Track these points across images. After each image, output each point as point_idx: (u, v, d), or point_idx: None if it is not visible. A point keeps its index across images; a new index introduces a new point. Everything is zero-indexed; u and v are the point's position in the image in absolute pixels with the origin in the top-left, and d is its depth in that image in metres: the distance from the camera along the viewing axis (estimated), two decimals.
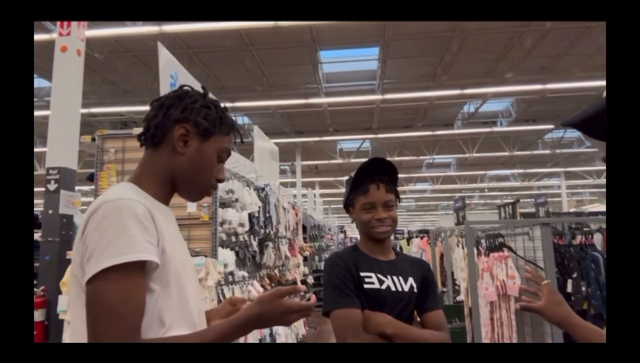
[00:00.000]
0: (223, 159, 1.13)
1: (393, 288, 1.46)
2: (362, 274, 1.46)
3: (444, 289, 6.01)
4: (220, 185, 3.72)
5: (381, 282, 1.46)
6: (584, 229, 3.35)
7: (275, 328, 4.75)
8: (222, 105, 1.15)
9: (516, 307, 1.05)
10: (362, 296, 1.43)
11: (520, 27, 8.53)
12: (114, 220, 0.90)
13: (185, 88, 1.13)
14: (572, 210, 19.96)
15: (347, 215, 1.63)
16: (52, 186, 3.96)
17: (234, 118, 1.19)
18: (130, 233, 0.90)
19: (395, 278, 1.48)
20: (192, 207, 2.94)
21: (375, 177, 1.51)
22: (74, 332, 0.96)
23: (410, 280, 1.49)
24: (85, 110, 10.48)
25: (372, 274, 1.47)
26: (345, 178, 1.72)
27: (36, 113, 11.09)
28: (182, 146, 1.06)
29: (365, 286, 1.44)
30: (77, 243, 0.94)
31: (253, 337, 4.03)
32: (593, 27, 8.32)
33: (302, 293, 1.05)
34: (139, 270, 0.91)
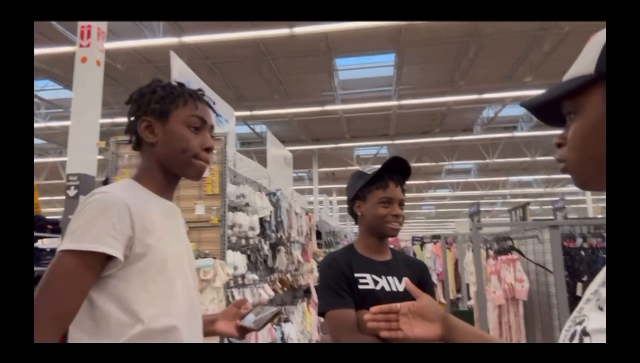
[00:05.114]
0: (196, 125, 1.14)
1: (388, 289, 1.45)
2: (356, 275, 1.46)
3: (459, 295, 5.94)
4: (231, 189, 3.79)
5: (375, 282, 1.45)
6: (596, 232, 3.27)
7: (287, 332, 4.78)
8: (173, 82, 1.18)
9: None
10: (357, 297, 1.42)
11: (538, 31, 8.41)
12: (88, 210, 0.98)
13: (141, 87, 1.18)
14: (599, 216, 19.33)
15: (352, 209, 1.58)
16: (71, 192, 4.12)
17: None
18: (95, 225, 0.96)
19: (390, 278, 1.47)
20: (200, 210, 3.02)
21: (394, 175, 1.52)
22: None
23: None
24: (108, 120, 10.82)
25: (367, 275, 1.46)
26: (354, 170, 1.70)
27: (62, 123, 11.52)
28: (151, 137, 1.12)
29: (360, 287, 1.44)
30: None
31: (264, 340, 4.06)
32: None
33: (262, 305, 1.05)
34: (94, 260, 0.96)
